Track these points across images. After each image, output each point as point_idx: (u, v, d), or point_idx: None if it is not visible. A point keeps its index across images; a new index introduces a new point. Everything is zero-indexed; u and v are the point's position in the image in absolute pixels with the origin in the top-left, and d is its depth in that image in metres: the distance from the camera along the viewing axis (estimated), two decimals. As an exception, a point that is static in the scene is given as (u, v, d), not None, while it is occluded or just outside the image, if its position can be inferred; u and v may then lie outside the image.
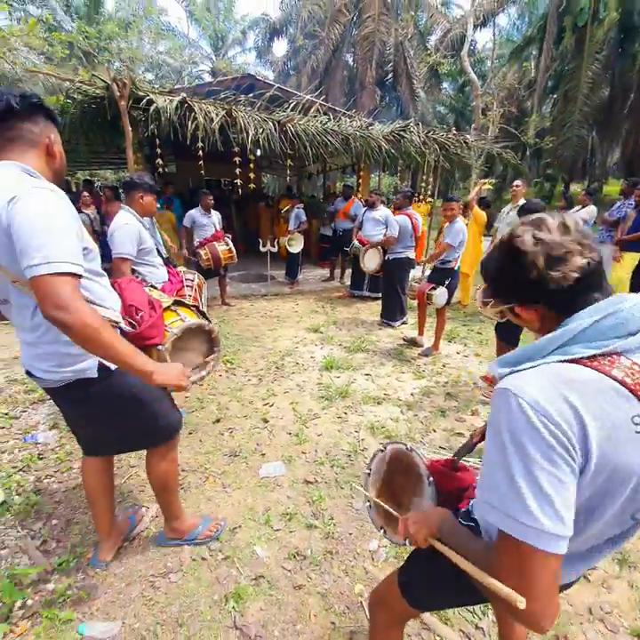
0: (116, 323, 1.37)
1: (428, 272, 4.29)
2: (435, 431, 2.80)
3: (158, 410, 1.52)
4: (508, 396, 0.62)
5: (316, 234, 8.71)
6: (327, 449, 2.56)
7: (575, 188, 18.88)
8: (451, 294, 4.02)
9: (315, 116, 6.04)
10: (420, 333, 4.44)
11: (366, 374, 3.67)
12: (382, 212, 5.37)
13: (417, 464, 1.07)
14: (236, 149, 5.34)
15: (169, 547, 1.81)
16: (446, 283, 3.95)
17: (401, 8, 17.39)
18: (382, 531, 1.14)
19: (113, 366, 1.31)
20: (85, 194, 6.52)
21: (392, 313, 5.12)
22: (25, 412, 2.89)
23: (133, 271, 2.45)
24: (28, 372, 1.33)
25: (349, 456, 2.50)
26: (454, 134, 7.38)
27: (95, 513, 1.69)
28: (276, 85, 6.61)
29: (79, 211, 6.03)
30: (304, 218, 6.70)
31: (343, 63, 18.21)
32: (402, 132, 6.71)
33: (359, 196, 7.45)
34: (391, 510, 1.06)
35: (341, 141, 6.17)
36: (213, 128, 5.00)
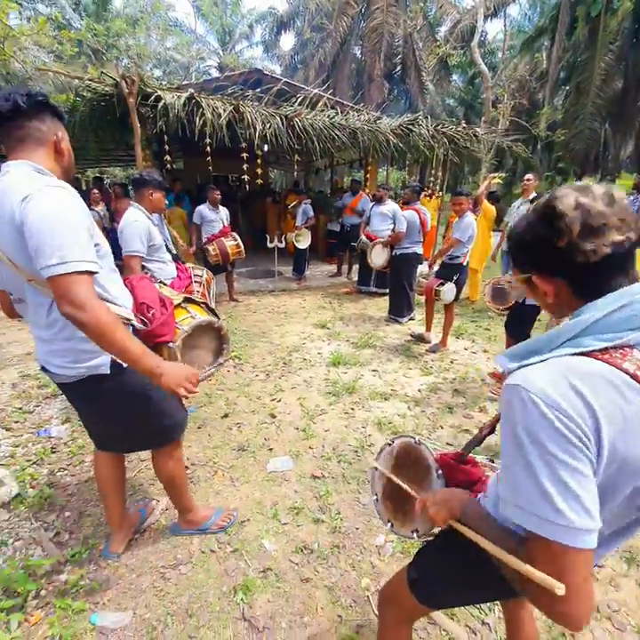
0: (129, 320, 1.38)
1: (436, 268, 4.26)
2: (442, 428, 2.79)
3: (166, 408, 1.55)
4: (519, 392, 0.61)
5: (323, 229, 8.69)
6: (334, 444, 2.58)
7: (587, 181, 18.52)
8: (459, 290, 3.99)
9: (322, 111, 5.99)
10: (428, 329, 4.41)
11: (373, 370, 3.67)
12: (390, 206, 5.33)
13: (425, 457, 1.07)
14: (244, 145, 5.34)
15: (182, 537, 1.84)
16: (455, 278, 3.92)
17: (410, -1, 17.16)
18: (389, 524, 1.14)
19: (125, 363, 1.33)
20: (95, 191, 6.57)
21: (399, 309, 5.10)
22: (38, 406, 2.95)
23: (143, 268, 2.47)
24: (42, 368, 1.36)
25: (356, 451, 2.51)
26: (464, 127, 7.27)
27: (107, 505, 1.72)
28: (284, 80, 6.57)
29: (89, 208, 6.07)
30: (311, 213, 6.68)
31: (351, 56, 18.02)
32: (410, 126, 6.63)
33: (367, 190, 7.41)
34: (407, 487, 1.05)
35: (349, 135, 6.12)
36: (221, 124, 5.00)
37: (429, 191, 7.71)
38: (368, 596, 1.61)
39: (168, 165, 5.29)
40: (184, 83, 5.86)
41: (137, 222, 2.41)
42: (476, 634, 1.50)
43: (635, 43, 14.09)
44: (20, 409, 2.89)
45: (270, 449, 2.52)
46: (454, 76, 21.00)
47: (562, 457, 0.56)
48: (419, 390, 3.32)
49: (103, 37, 14.59)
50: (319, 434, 2.69)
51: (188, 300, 1.91)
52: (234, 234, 5.15)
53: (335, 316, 5.28)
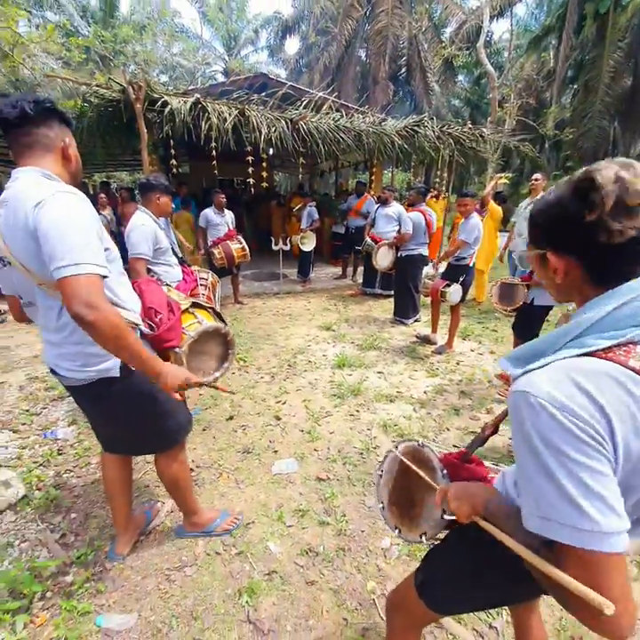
0: (136, 324, 1.39)
1: (441, 269, 4.23)
2: (448, 430, 2.77)
3: (172, 411, 1.56)
4: (527, 398, 0.60)
5: (328, 232, 8.70)
6: (339, 446, 2.56)
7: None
8: (465, 291, 3.96)
9: (327, 114, 6.02)
10: (434, 331, 4.39)
11: (379, 372, 3.65)
12: (395, 208, 5.32)
13: (430, 458, 1.07)
14: (249, 149, 5.38)
15: (186, 539, 1.85)
16: (461, 279, 3.90)
17: (415, 1, 17.14)
18: (397, 531, 1.13)
19: (131, 366, 1.34)
20: (102, 195, 6.65)
21: (405, 310, 5.08)
22: (45, 408, 2.98)
23: (149, 270, 2.49)
24: (51, 371, 1.37)
25: (362, 454, 2.50)
26: (470, 128, 7.25)
27: (113, 507, 1.73)
28: (289, 83, 6.60)
29: (97, 212, 6.15)
30: (316, 216, 6.69)
31: (356, 59, 18.04)
32: (416, 127, 6.63)
33: (372, 192, 7.40)
34: (424, 475, 1.03)
35: (354, 138, 6.13)
36: (226, 128, 5.04)
37: (436, 192, 7.69)
38: (374, 599, 1.60)
39: (174, 170, 5.34)
40: (190, 88, 5.92)
41: (144, 226, 2.43)
42: (483, 638, 1.47)
43: (644, 39, 13.91)
44: (27, 411, 2.92)
45: (275, 451, 2.52)
46: (460, 77, 20.95)
47: (579, 458, 0.54)
48: (424, 392, 3.30)
49: (110, 44, 14.81)
50: (324, 436, 2.68)
51: (195, 305, 1.92)
52: (239, 237, 5.17)
53: (340, 318, 5.28)
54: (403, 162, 8.20)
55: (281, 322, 5.12)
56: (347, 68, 17.51)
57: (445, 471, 1.01)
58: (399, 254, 5.07)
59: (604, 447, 0.55)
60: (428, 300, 4.29)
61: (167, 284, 2.20)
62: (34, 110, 1.13)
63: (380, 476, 1.21)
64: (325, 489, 2.18)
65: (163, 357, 1.57)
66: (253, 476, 2.29)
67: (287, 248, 6.43)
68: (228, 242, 5.05)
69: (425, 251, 4.98)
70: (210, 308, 1.98)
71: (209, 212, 5.12)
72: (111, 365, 1.32)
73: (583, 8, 12.88)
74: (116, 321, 1.08)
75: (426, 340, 4.37)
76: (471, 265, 3.94)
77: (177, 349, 1.62)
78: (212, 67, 23.07)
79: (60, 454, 2.46)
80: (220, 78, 20.66)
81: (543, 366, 0.64)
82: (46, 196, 1.07)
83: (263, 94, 5.64)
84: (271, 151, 5.63)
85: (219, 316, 1.97)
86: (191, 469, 2.23)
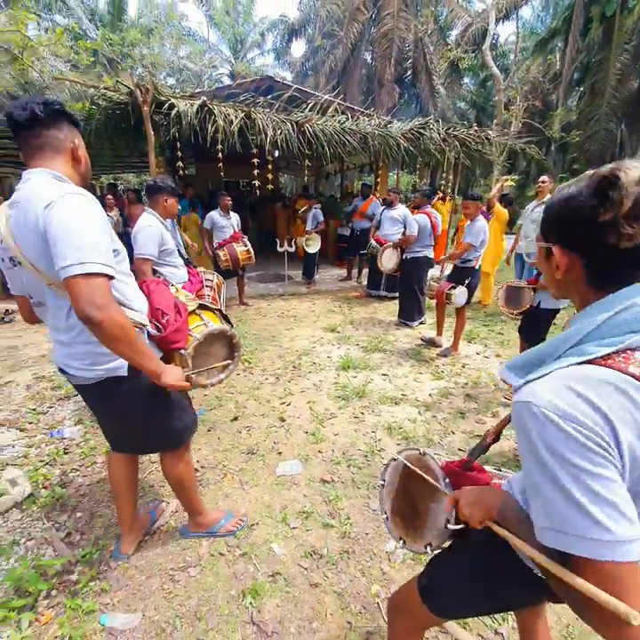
0: (143, 325, 1.40)
1: (447, 271, 4.22)
2: (454, 433, 2.75)
3: (178, 410, 1.57)
4: (530, 409, 0.59)
5: (333, 234, 8.71)
6: (344, 448, 2.56)
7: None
8: (471, 294, 3.94)
9: (333, 116, 6.04)
10: (439, 333, 4.37)
11: (383, 374, 3.64)
12: (400, 210, 5.31)
13: (431, 467, 1.06)
14: (255, 151, 5.40)
15: (191, 539, 1.85)
16: (466, 282, 3.88)
17: (421, 4, 17.17)
18: (401, 542, 1.12)
19: (134, 366, 1.35)
20: (109, 197, 6.71)
21: (410, 313, 5.07)
22: (52, 408, 3.00)
23: (155, 271, 2.51)
24: (60, 370, 1.39)
25: (366, 456, 2.49)
26: (475, 130, 7.24)
27: (119, 506, 1.74)
28: (295, 86, 6.65)
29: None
30: (322, 218, 6.71)
31: (361, 62, 18.11)
32: (421, 130, 6.63)
33: (377, 194, 7.41)
34: (430, 479, 1.02)
35: (359, 140, 6.14)
36: (233, 130, 5.07)
37: (442, 194, 7.68)
38: (378, 603, 1.59)
39: (180, 171, 5.37)
40: (197, 91, 5.97)
41: (150, 227, 2.45)
42: (488, 645, 1.46)
43: (651, 42, 13.84)
44: (34, 410, 2.95)
45: (279, 452, 2.52)
46: (465, 80, 20.94)
47: (585, 466, 0.54)
48: (429, 395, 3.28)
49: (118, 47, 14.96)
50: (329, 438, 2.67)
51: (202, 307, 1.92)
52: (245, 239, 5.19)
53: (345, 319, 5.27)
54: (408, 164, 8.20)
55: (286, 323, 5.13)
56: (352, 71, 17.57)
57: (447, 480, 1.01)
58: (404, 256, 5.06)
59: (611, 453, 0.54)
60: (434, 302, 4.27)
61: (173, 285, 2.21)
62: (44, 112, 1.15)
63: (383, 486, 1.21)
64: (330, 491, 2.18)
65: (168, 358, 1.58)
66: (258, 477, 2.29)
67: (292, 250, 6.44)
68: (233, 244, 5.08)
69: (430, 253, 4.96)
70: (216, 309, 1.99)
71: (214, 215, 5.15)
72: (119, 364, 1.33)
73: (589, 11, 12.85)
74: (122, 321, 1.10)
75: (431, 343, 4.36)
76: (477, 267, 3.93)
77: (183, 351, 1.62)
78: (218, 70, 23.25)
79: (67, 453, 2.48)
80: (227, 81, 20.82)
81: (544, 376, 0.64)
82: (56, 198, 1.08)
83: (269, 97, 5.68)
84: (277, 153, 5.67)
85: (225, 318, 1.98)
86: (196, 470, 2.24)
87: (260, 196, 6.98)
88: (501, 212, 5.60)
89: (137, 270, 2.42)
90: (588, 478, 0.53)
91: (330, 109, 6.12)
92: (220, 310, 2.00)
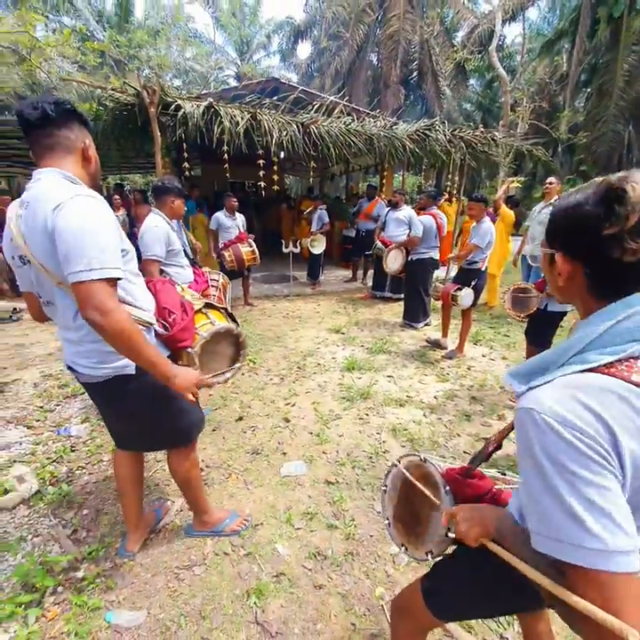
0: (150, 324, 1.41)
1: (452, 273, 4.20)
2: (459, 436, 2.74)
3: (186, 408, 1.57)
4: (532, 416, 0.59)
5: (338, 235, 8.71)
6: (348, 450, 2.55)
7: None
8: (477, 295, 3.93)
9: (338, 117, 6.05)
10: (444, 335, 4.35)
11: (388, 376, 3.63)
12: (406, 212, 5.31)
13: (432, 474, 1.06)
14: (261, 152, 5.42)
15: (196, 538, 1.85)
16: (472, 283, 3.87)
17: (426, 5, 17.16)
18: (403, 548, 1.12)
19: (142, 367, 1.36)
20: (116, 197, 6.76)
21: (415, 314, 5.05)
22: (59, 405, 3.03)
23: (161, 272, 2.52)
24: (69, 368, 1.40)
25: (371, 458, 2.48)
26: (481, 132, 7.22)
27: (124, 504, 1.75)
28: (300, 88, 6.65)
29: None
30: (327, 219, 6.72)
31: (367, 63, 18.12)
32: (427, 131, 6.62)
33: (383, 196, 7.41)
34: (431, 495, 1.03)
35: (365, 142, 6.15)
36: (238, 131, 5.09)
37: (448, 195, 7.66)
38: (382, 605, 1.58)
39: (186, 172, 5.40)
40: (203, 92, 5.99)
41: (157, 227, 2.47)
42: (494, 648, 1.45)
43: (659, 43, 13.73)
44: (41, 408, 2.97)
45: (284, 453, 2.52)
46: (472, 81, 20.88)
47: (584, 474, 0.54)
48: (435, 397, 3.27)
49: (125, 48, 15.06)
50: (333, 439, 2.67)
51: (208, 306, 1.93)
52: (250, 240, 5.21)
53: (350, 321, 5.27)
54: (414, 165, 8.19)
55: (291, 324, 5.14)
56: (358, 73, 17.60)
57: (448, 487, 1.01)
58: (410, 258, 5.05)
59: (610, 463, 0.54)
60: (440, 303, 4.26)
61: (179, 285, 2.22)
62: (55, 112, 1.15)
63: (385, 491, 1.21)
64: (334, 492, 2.18)
65: (175, 357, 1.59)
66: (262, 478, 2.29)
67: (297, 251, 6.45)
68: (238, 245, 5.09)
69: (436, 254, 4.95)
70: (222, 308, 2.00)
71: (220, 215, 5.18)
72: (127, 363, 1.34)
73: (596, 12, 12.79)
74: (127, 326, 1.12)
75: (436, 345, 4.34)
76: (483, 269, 3.91)
77: (190, 349, 1.63)
78: (224, 71, 23.34)
79: (73, 451, 2.50)
80: (233, 83, 20.89)
81: (547, 383, 0.64)
82: (65, 199, 1.09)
83: (275, 98, 5.69)
84: (282, 154, 5.67)
85: (231, 317, 1.99)
86: (201, 469, 2.24)
87: (266, 197, 7.00)
88: (507, 213, 5.58)
89: (144, 271, 2.44)
90: (585, 487, 0.53)
91: (335, 111, 6.13)
92: (225, 309, 2.01)
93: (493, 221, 4.37)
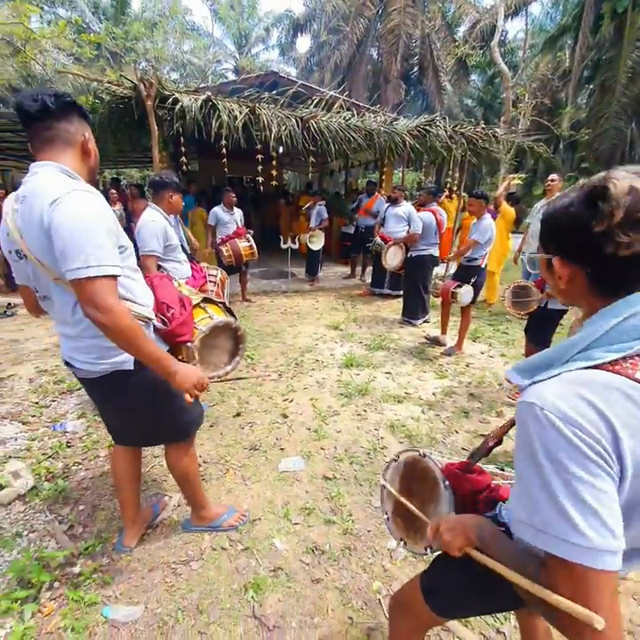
0: (149, 319, 1.40)
1: (452, 270, 4.19)
2: (457, 432, 2.74)
3: (184, 404, 1.56)
4: (534, 411, 0.59)
5: (337, 231, 8.68)
6: (346, 446, 2.55)
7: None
8: (477, 292, 3.92)
9: (338, 112, 6.00)
10: (443, 332, 4.35)
11: (387, 372, 3.63)
12: (405, 208, 5.29)
13: (432, 469, 1.06)
14: (259, 147, 5.38)
15: (193, 533, 1.85)
16: (472, 280, 3.86)
17: (428, 0, 17.02)
18: (402, 542, 1.12)
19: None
20: (113, 191, 6.71)
21: (413, 311, 5.05)
22: (54, 401, 3.01)
23: (159, 267, 2.50)
24: (66, 363, 1.39)
25: (369, 454, 2.48)
26: (483, 128, 7.18)
27: (121, 499, 1.74)
28: (300, 82, 6.60)
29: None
30: (326, 215, 6.69)
31: (367, 58, 17.97)
32: (427, 127, 6.59)
33: (382, 192, 7.38)
34: (419, 513, 1.04)
35: (365, 137, 6.11)
36: (237, 126, 5.05)
37: (448, 192, 7.63)
38: (380, 600, 1.59)
39: (184, 167, 5.36)
40: (201, 85, 5.95)
41: (154, 222, 2.44)
42: (490, 643, 1.45)
43: (663, 39, 13.64)
44: (37, 403, 2.96)
45: (282, 449, 2.52)
46: (473, 76, 20.73)
47: (580, 473, 0.54)
48: (433, 393, 3.27)
49: (122, 41, 14.94)
50: (331, 435, 2.67)
51: (206, 300, 1.92)
52: (248, 235, 5.18)
53: (348, 317, 5.26)
54: (414, 161, 8.15)
55: (289, 320, 5.13)
56: (358, 67, 17.46)
57: (448, 482, 1.01)
58: (409, 254, 5.04)
59: (608, 463, 0.54)
60: (439, 300, 4.25)
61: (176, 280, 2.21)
62: (55, 104, 1.13)
63: (384, 486, 1.20)
64: (332, 488, 2.18)
65: (175, 351, 1.58)
66: (260, 473, 2.29)
67: (295, 246, 6.42)
68: (236, 240, 5.07)
69: (435, 251, 4.94)
70: (220, 302, 1.99)
71: (218, 210, 5.14)
72: (126, 358, 1.33)
73: (600, 7, 12.65)
74: (127, 323, 1.11)
75: (435, 342, 4.34)
76: (483, 266, 3.90)
77: (189, 344, 1.62)
78: (222, 64, 23.19)
79: (69, 446, 2.49)
80: (231, 76, 20.73)
81: (551, 378, 0.64)
82: (62, 194, 1.07)
83: (274, 92, 5.65)
84: (281, 149, 5.63)
85: (229, 311, 1.98)
86: (199, 464, 2.24)
87: (264, 192, 6.96)
88: (508, 210, 5.56)
89: (142, 266, 2.42)
90: (579, 484, 0.54)
91: (335, 106, 6.08)
92: (223, 303, 2.00)
93: (494, 218, 4.36)
